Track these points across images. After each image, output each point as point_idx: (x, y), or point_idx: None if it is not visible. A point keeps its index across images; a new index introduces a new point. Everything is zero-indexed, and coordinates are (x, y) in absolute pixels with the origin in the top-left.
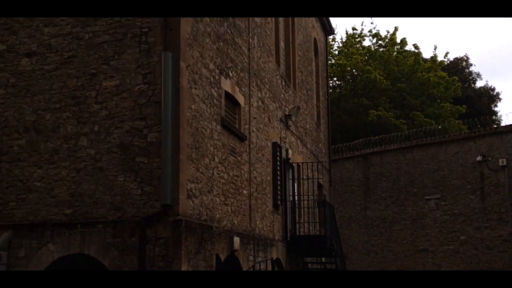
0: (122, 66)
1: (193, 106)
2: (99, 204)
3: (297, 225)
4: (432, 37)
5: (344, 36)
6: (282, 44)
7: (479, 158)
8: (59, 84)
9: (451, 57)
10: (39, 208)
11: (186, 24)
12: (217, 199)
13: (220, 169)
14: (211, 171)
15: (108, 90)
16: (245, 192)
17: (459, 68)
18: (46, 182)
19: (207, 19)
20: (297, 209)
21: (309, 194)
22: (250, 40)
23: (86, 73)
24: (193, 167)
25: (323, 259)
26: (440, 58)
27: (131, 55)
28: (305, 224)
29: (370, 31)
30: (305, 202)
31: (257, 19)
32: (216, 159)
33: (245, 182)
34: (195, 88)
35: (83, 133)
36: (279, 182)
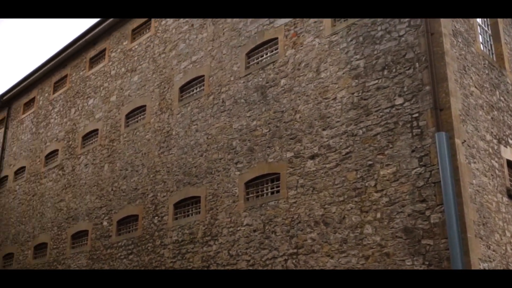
0: (396, 153)
1: (474, 181)
2: None
3: None
4: None
5: None
6: None
7: None
8: (340, 179)
9: None
10: None
11: (457, 102)
12: None
13: None
14: (503, 248)
15: (386, 177)
16: None
17: None
18: None
19: (477, 92)
20: None
21: None
22: None
23: (363, 165)
24: (483, 245)
25: None
26: None
27: (405, 141)
28: None
29: None
30: None
31: None
32: (508, 234)
33: None
34: (474, 163)
35: (367, 221)
36: None
